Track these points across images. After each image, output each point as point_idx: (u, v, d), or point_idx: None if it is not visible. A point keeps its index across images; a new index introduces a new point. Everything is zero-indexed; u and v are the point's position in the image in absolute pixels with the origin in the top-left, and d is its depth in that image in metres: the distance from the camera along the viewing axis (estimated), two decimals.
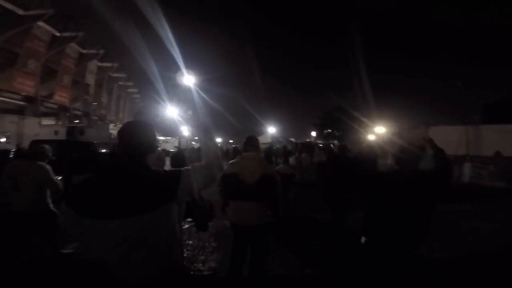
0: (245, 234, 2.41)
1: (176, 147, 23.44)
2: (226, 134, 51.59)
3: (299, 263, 3.41)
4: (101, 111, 34.02)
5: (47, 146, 3.22)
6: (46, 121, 23.57)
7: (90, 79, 30.65)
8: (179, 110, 35.52)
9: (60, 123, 23.89)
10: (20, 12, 17.94)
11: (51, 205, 3.07)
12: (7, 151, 9.30)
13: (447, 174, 2.03)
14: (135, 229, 1.05)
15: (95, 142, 11.68)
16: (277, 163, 10.33)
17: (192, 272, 3.09)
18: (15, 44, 19.58)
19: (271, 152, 9.65)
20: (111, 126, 18.28)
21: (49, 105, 24.69)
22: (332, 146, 23.90)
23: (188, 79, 22.66)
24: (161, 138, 33.50)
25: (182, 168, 1.21)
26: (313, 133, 47.47)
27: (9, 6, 17.02)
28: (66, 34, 23.75)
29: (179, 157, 2.93)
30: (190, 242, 4.01)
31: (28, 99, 21.56)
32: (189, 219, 1.92)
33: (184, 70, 22.63)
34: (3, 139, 10.46)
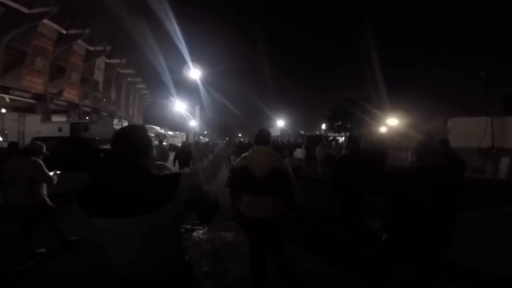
0: (259, 227, 2.36)
1: (184, 141, 23.23)
2: (234, 128, 51.22)
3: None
4: (110, 107, 34.38)
5: (40, 143, 3.40)
6: (57, 118, 24.04)
7: (99, 75, 30.89)
8: (187, 105, 35.68)
9: (70, 119, 24.18)
10: (25, 10, 18.01)
11: (47, 200, 3.24)
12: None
13: (462, 168, 1.89)
14: (135, 228, 1.10)
15: (97, 138, 11.62)
16: (285, 156, 10.10)
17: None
18: (22, 43, 19.82)
19: (277, 147, 9.29)
20: (115, 121, 18.16)
21: (58, 102, 25.10)
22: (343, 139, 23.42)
23: (195, 73, 22.56)
24: (170, 133, 33.70)
25: (181, 173, 1.26)
26: (323, 126, 46.56)
27: (13, 4, 17.10)
28: (73, 31, 23.86)
29: (185, 152, 2.71)
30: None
31: (38, 97, 21.93)
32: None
33: (190, 64, 22.53)
34: (1, 138, 10.33)
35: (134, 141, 1.22)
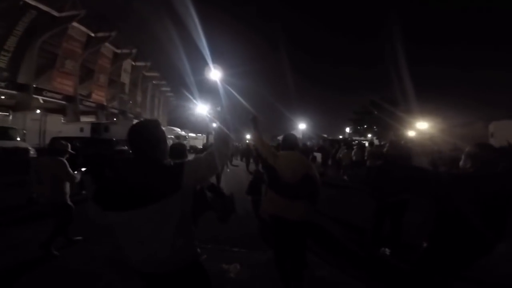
0: (284, 227, 2.27)
1: (175, 137, 22.65)
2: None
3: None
4: (136, 109, 35.34)
5: (64, 143, 3.54)
6: (86, 119, 24.92)
7: (125, 78, 31.87)
8: (208, 107, 35.80)
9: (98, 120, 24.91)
10: (55, 13, 18.81)
11: (68, 199, 3.32)
12: (23, 150, 9.22)
13: None
14: (146, 218, 1.13)
15: (114, 139, 11.81)
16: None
17: None
18: (54, 46, 20.75)
19: (305, 151, 8.71)
20: (135, 122, 18.23)
21: (88, 103, 26.04)
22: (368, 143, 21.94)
23: (215, 75, 22.32)
24: (192, 134, 33.85)
25: (184, 160, 1.36)
26: (347, 129, 44.66)
27: (44, 8, 17.88)
28: (100, 34, 24.70)
29: (178, 149, 2.71)
30: None
31: (68, 98, 22.85)
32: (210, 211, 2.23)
33: (211, 66, 22.33)
34: (18, 138, 10.30)
35: (147, 134, 1.25)
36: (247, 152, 13.48)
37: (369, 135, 29.22)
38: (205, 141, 26.93)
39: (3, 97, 18.94)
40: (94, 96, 26.52)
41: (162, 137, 1.28)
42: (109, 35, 25.28)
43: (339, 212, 5.28)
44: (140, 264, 1.21)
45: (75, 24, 21.20)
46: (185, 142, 15.81)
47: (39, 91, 20.19)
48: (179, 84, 42.29)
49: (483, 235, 1.58)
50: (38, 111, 24.47)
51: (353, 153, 11.23)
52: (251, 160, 13.10)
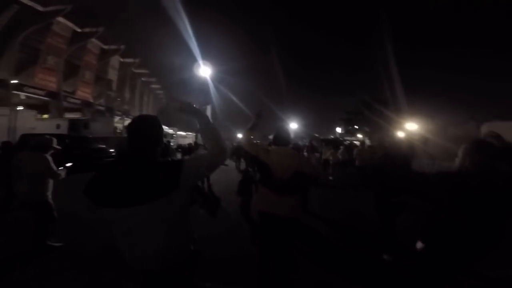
0: (273, 224, 2.24)
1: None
2: (244, 128, 50.52)
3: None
4: (124, 106, 34.62)
5: (49, 137, 3.33)
6: (71, 116, 24.17)
7: (113, 75, 31.15)
8: (198, 105, 35.32)
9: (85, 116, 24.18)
10: (39, 8, 18.14)
11: (49, 197, 3.17)
12: None
13: None
14: (143, 216, 1.11)
15: (90, 136, 11.34)
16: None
17: None
18: (38, 41, 20.01)
19: (298, 150, 8.66)
20: (117, 119, 17.55)
21: (72, 100, 25.31)
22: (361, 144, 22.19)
23: (205, 71, 22.10)
24: (181, 133, 33.41)
25: (183, 158, 1.40)
26: (338, 129, 45.04)
27: (28, 2, 17.21)
28: (87, 30, 24.00)
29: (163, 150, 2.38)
30: None
31: (52, 94, 22.15)
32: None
33: (201, 62, 22.12)
34: None
35: (149, 131, 1.24)
36: (237, 151, 13.37)
37: (359, 135, 29.47)
38: (194, 139, 26.67)
39: None
40: (79, 92, 25.81)
41: (162, 134, 1.29)
42: (96, 30, 24.61)
43: (327, 212, 5.24)
44: (135, 261, 1.20)
45: (60, 19, 20.53)
46: (172, 140, 15.45)
47: (19, 87, 19.47)
48: (169, 82, 41.76)
49: (477, 236, 1.57)
50: (20, 107, 23.69)
51: (339, 153, 11.41)
52: (242, 159, 13.04)
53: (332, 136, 39.17)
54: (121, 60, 32.03)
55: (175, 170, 1.15)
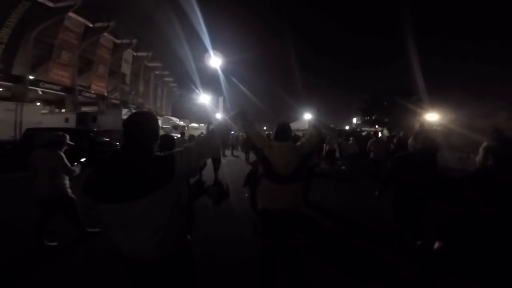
0: (276, 219, 2.27)
1: (173, 127, 21.97)
2: (258, 120, 50.09)
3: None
4: (138, 100, 35.11)
5: (62, 134, 3.41)
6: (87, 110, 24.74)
7: (126, 68, 31.50)
8: (210, 97, 35.40)
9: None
10: (50, 4, 18.38)
11: (68, 191, 3.27)
12: None
13: None
14: (140, 209, 1.14)
15: (95, 129, 11.21)
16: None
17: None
18: (50, 36, 20.40)
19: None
20: (125, 111, 17.10)
21: (88, 95, 25.86)
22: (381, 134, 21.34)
23: (216, 62, 21.77)
24: (194, 125, 33.54)
25: (175, 150, 1.28)
26: (355, 120, 43.46)
27: None
28: (99, 24, 24.19)
29: (167, 141, 2.65)
30: None
31: (67, 89, 22.71)
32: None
33: (212, 53, 21.78)
34: None
35: (146, 126, 1.26)
36: (247, 143, 13.08)
37: (377, 126, 28.09)
38: (206, 130, 26.53)
39: (0, 89, 18.89)
40: (93, 87, 26.31)
41: (158, 129, 1.32)
42: (107, 25, 24.76)
43: (331, 204, 5.19)
44: (132, 253, 1.22)
45: (72, 14, 20.76)
46: (184, 132, 15.34)
47: (36, 83, 20.05)
48: (182, 74, 41.85)
49: (504, 237, 1.46)
50: (38, 103, 24.49)
51: (349, 144, 10.89)
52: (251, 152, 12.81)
53: (347, 127, 37.94)
54: (134, 54, 32.29)
55: (169, 162, 1.19)
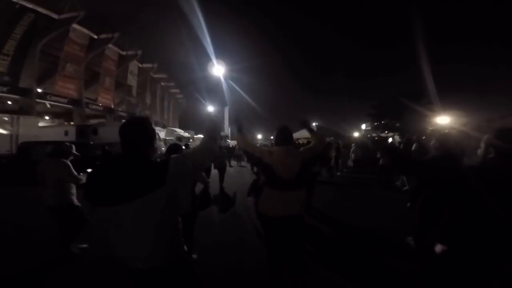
0: (280, 226, 2.21)
1: (177, 139, 21.66)
2: (264, 130, 49.70)
3: None
4: (146, 112, 35.16)
5: (69, 144, 3.49)
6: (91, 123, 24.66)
7: (132, 80, 31.69)
8: (215, 107, 35.19)
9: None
10: (54, 16, 18.61)
11: (74, 200, 3.32)
12: None
13: None
14: (132, 214, 1.16)
15: (91, 143, 10.40)
16: None
17: None
18: (56, 48, 20.60)
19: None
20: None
21: (94, 107, 25.88)
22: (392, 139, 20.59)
23: (219, 70, 21.62)
24: (199, 136, 33.26)
25: (171, 156, 1.29)
26: (363, 126, 42.45)
27: (42, 10, 17.70)
28: (103, 36, 24.47)
29: (173, 149, 2.72)
30: None
31: (74, 102, 22.74)
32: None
33: (215, 62, 21.69)
34: None
35: (142, 130, 1.29)
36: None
37: (386, 132, 27.16)
38: None
39: (9, 102, 18.95)
40: (100, 99, 26.37)
41: (154, 134, 1.33)
42: (111, 36, 25.00)
43: (334, 211, 5.13)
44: (127, 260, 1.23)
45: (76, 26, 21.00)
46: (189, 143, 14.64)
47: (43, 96, 20.09)
48: (187, 85, 42.11)
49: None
50: (46, 117, 24.52)
51: (351, 151, 11.11)
52: None
53: (357, 134, 36.90)
54: (140, 65, 32.57)
55: (161, 167, 1.21)
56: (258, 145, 2.49)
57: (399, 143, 13.04)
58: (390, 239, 3.70)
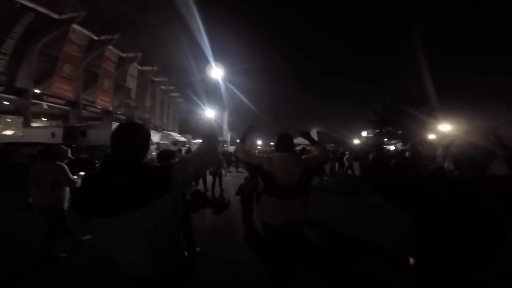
0: (280, 235, 2.16)
1: (172, 143, 21.30)
2: (264, 136, 49.36)
3: None
4: (145, 115, 34.74)
5: (65, 147, 3.46)
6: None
7: (131, 83, 31.36)
8: (215, 111, 34.89)
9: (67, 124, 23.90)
10: (55, 16, 18.34)
11: (65, 204, 3.26)
12: None
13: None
14: (135, 223, 1.10)
15: (74, 145, 9.63)
16: None
17: None
18: (55, 49, 20.28)
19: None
20: (115, 125, 16.52)
21: (92, 109, 25.43)
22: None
23: (218, 73, 21.33)
24: (198, 141, 32.87)
25: (172, 161, 1.24)
26: (364, 133, 42.24)
27: (43, 10, 17.42)
28: (103, 37, 24.22)
29: (164, 157, 2.48)
30: None
31: (71, 103, 22.30)
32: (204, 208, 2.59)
33: (214, 65, 21.42)
34: None
35: (137, 137, 1.22)
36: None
37: (385, 139, 26.94)
38: None
39: (6, 102, 18.46)
40: (99, 101, 25.94)
41: (149, 141, 1.28)
42: (112, 38, 24.78)
43: (328, 220, 5.05)
44: (128, 267, 1.19)
45: (76, 26, 20.75)
46: (183, 148, 14.21)
47: (40, 96, 19.66)
48: (187, 89, 41.86)
49: (489, 242, 1.36)
50: (43, 118, 23.95)
51: (345, 159, 11.60)
52: None
53: (357, 141, 36.63)
54: (139, 68, 32.31)
55: (165, 173, 1.15)
56: (256, 152, 2.46)
57: (402, 151, 12.83)
58: (384, 245, 3.69)
